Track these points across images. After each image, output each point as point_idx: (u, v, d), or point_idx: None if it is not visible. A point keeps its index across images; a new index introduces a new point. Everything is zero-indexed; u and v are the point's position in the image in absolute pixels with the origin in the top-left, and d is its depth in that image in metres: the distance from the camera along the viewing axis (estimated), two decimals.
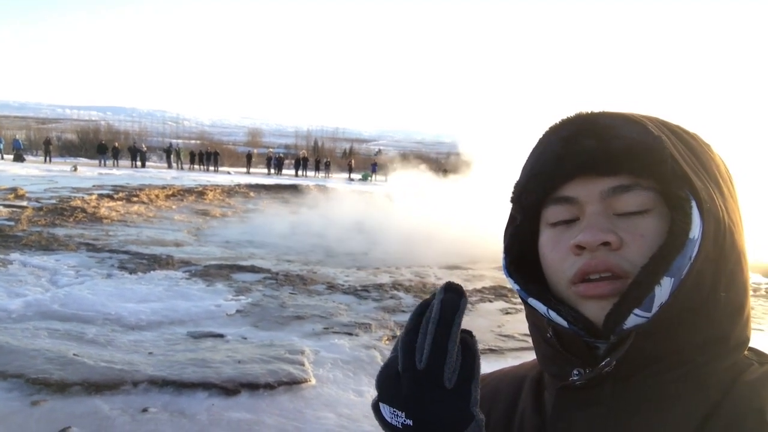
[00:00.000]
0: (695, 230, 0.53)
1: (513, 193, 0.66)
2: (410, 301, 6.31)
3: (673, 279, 0.52)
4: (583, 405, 0.57)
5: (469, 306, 6.18)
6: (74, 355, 3.89)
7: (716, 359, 0.55)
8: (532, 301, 0.61)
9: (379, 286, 6.95)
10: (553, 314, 0.58)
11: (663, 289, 0.52)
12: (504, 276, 0.66)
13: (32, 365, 3.66)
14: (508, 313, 6.07)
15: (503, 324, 5.62)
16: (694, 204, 0.54)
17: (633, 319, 0.52)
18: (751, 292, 0.59)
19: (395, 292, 6.72)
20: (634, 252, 0.54)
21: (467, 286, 7.28)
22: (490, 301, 6.56)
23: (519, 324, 5.55)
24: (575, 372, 0.58)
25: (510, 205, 0.67)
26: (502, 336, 5.21)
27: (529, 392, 0.67)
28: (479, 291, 7.06)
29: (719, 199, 0.56)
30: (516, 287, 0.64)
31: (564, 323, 0.57)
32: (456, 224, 12.03)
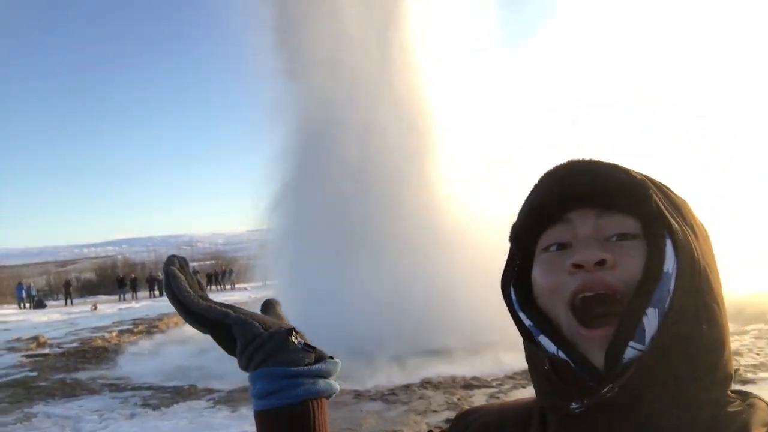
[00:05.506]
0: (669, 264, 0.56)
1: (511, 231, 0.69)
2: (440, 399, 6.10)
3: (657, 310, 0.55)
4: None
5: (502, 395, 6.00)
6: None
7: (706, 390, 0.57)
8: (542, 339, 0.61)
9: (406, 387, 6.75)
10: (562, 354, 0.58)
11: (650, 320, 0.55)
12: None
13: None
14: None
15: None
16: (669, 242, 0.58)
17: (630, 352, 0.55)
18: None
19: (424, 391, 6.52)
20: (625, 272, 0.57)
21: (498, 374, 7.04)
22: (523, 387, 6.34)
23: None
24: (574, 403, 0.58)
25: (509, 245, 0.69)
26: None
27: (536, 424, 0.67)
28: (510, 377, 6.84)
29: (695, 241, 0.60)
30: (529, 323, 0.63)
31: (570, 362, 0.57)
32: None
